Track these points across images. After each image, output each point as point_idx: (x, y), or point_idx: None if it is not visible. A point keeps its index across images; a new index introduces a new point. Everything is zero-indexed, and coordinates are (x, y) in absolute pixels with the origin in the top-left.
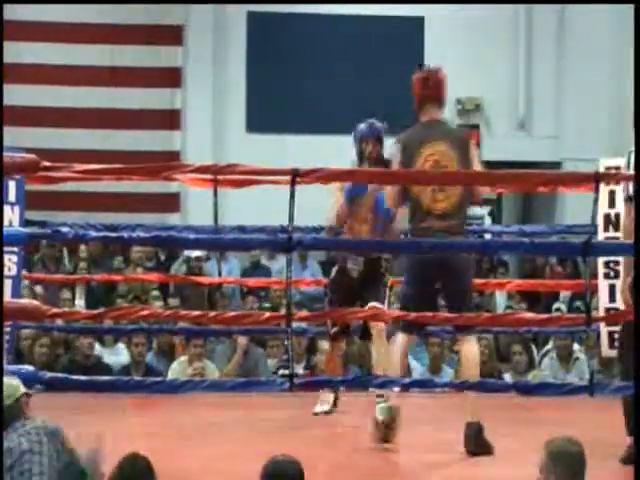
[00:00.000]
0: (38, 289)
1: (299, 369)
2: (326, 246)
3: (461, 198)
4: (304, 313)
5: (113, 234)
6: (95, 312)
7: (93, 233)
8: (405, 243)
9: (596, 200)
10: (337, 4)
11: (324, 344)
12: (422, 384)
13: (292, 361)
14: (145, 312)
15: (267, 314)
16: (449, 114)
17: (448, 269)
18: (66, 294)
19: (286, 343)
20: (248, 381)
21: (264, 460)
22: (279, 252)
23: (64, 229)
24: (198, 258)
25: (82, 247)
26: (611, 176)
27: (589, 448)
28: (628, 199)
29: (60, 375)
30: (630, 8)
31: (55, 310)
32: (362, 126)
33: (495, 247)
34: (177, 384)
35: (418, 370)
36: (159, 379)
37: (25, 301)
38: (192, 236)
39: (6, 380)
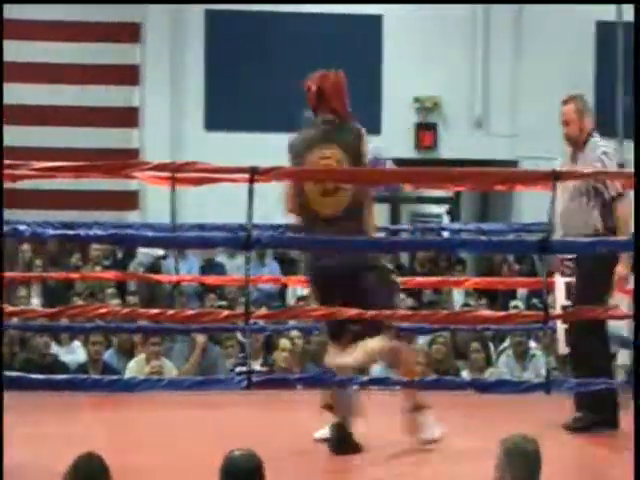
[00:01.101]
0: None
1: (257, 367)
2: (285, 244)
3: (352, 202)
4: (262, 311)
5: (71, 232)
6: (52, 310)
7: (51, 231)
8: (361, 242)
9: (553, 198)
10: (296, 3)
11: (283, 342)
12: (380, 382)
13: (250, 359)
14: (103, 310)
15: (225, 312)
16: (408, 112)
17: (345, 274)
18: (22, 292)
19: (244, 341)
20: (206, 379)
21: (222, 457)
22: (238, 250)
23: (22, 227)
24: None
25: (26, 246)
26: (569, 174)
27: (544, 445)
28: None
29: (16, 374)
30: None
31: (11, 308)
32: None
33: (454, 245)
34: (135, 382)
35: (376, 366)
36: (116, 377)
37: None
38: (150, 234)
39: None
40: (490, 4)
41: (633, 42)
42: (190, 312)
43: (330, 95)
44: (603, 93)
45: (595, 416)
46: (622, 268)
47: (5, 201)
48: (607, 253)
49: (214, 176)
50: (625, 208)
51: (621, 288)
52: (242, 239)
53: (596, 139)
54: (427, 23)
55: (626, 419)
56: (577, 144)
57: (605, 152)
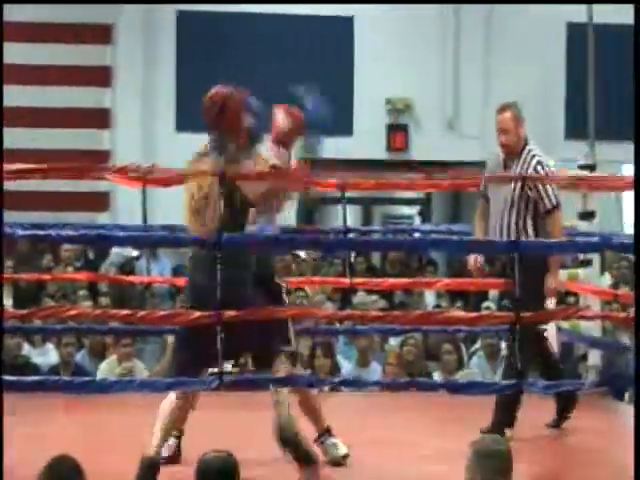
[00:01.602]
0: None
1: (229, 367)
2: (254, 245)
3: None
4: (233, 312)
5: (42, 232)
6: (23, 312)
7: (21, 231)
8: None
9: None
10: (267, 4)
11: None
12: (352, 383)
13: (221, 359)
14: (74, 312)
15: (197, 313)
16: (379, 114)
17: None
18: None
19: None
20: (177, 380)
21: (196, 459)
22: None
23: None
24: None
25: None
26: (535, 178)
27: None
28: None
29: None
30: (555, 12)
31: None
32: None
33: (425, 245)
34: (107, 384)
35: (347, 368)
36: (89, 379)
37: None
38: (122, 233)
39: None
40: (460, 4)
41: (633, 42)
42: (162, 313)
43: (233, 114)
44: (574, 95)
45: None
46: (552, 280)
47: None
48: (540, 262)
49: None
50: (558, 222)
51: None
52: (213, 240)
53: (531, 147)
54: (398, 25)
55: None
56: (513, 152)
57: (540, 162)
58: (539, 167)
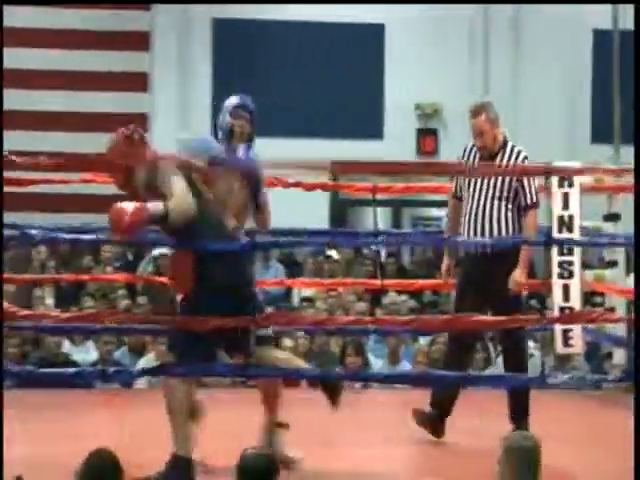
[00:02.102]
0: (10, 288)
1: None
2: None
3: None
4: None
5: (84, 236)
6: (64, 315)
7: (60, 235)
8: None
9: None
10: (301, 11)
11: (285, 341)
12: (382, 378)
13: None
14: (114, 317)
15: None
16: (409, 119)
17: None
18: (38, 292)
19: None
20: (208, 367)
21: (235, 455)
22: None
23: (32, 231)
24: (164, 256)
25: (43, 248)
26: (559, 170)
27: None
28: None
29: (28, 368)
30: (582, 19)
31: (24, 312)
32: (235, 98)
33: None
34: (137, 373)
35: (378, 366)
36: (121, 369)
37: None
38: (155, 236)
39: None
40: (488, 4)
41: (634, 42)
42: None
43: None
44: (600, 100)
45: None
46: (520, 274)
47: (16, 205)
48: (515, 257)
49: None
50: (534, 219)
51: (516, 291)
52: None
53: (512, 144)
54: (427, 31)
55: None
56: (492, 152)
57: (526, 156)
58: (527, 161)
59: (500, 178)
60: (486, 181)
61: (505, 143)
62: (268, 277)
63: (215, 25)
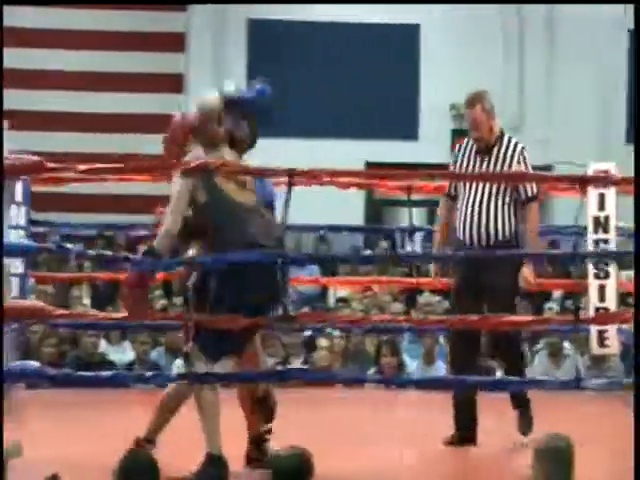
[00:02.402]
0: (48, 288)
1: (297, 364)
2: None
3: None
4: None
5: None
6: (100, 315)
7: (94, 252)
8: None
9: (582, 204)
10: (336, 12)
11: (321, 341)
12: (419, 380)
13: (289, 357)
14: (150, 316)
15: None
16: (444, 119)
17: None
18: (75, 292)
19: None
20: (250, 373)
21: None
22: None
23: (68, 246)
24: None
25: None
26: (598, 179)
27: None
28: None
29: (65, 371)
30: (617, 19)
31: (60, 311)
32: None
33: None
34: (174, 376)
35: (413, 366)
36: (158, 372)
37: (30, 302)
38: None
39: None
40: (523, 4)
41: (634, 42)
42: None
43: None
44: (635, 98)
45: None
46: (529, 272)
47: (52, 204)
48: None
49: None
50: (536, 212)
51: (528, 290)
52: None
53: (509, 136)
54: (462, 32)
55: None
56: (488, 144)
57: (524, 147)
58: (525, 152)
59: (499, 168)
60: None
61: (502, 135)
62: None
63: (250, 26)
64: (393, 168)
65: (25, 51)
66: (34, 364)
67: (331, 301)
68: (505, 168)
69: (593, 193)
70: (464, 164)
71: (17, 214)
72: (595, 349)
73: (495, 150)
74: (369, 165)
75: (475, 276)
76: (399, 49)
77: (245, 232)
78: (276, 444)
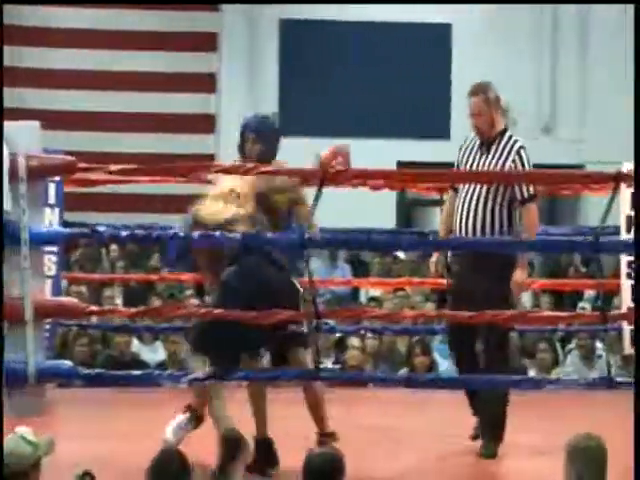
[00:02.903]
0: (82, 288)
1: (328, 365)
2: (339, 244)
3: None
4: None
5: (150, 234)
6: (132, 311)
7: (126, 233)
8: None
9: (611, 200)
10: (368, 11)
11: (352, 340)
12: (451, 381)
13: (320, 357)
14: (180, 311)
15: (290, 313)
16: None
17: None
18: (108, 292)
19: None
20: (281, 372)
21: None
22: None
23: (101, 228)
24: None
25: (114, 247)
26: (630, 177)
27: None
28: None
29: (97, 371)
30: None
31: (93, 308)
32: (245, 117)
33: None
34: (204, 376)
35: (444, 366)
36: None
37: (64, 299)
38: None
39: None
40: (557, 4)
41: (634, 42)
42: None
43: None
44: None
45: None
46: (521, 274)
47: (84, 204)
48: (510, 256)
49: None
50: (534, 213)
51: (518, 293)
52: (299, 238)
53: (510, 134)
54: (495, 30)
55: None
56: (488, 137)
57: (522, 146)
58: (522, 151)
59: (494, 166)
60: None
61: (504, 131)
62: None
63: (283, 26)
64: (425, 167)
65: (56, 51)
66: (67, 363)
67: (363, 301)
68: (499, 167)
69: (626, 192)
70: (464, 160)
71: (50, 216)
72: (627, 349)
73: (494, 147)
74: (401, 165)
75: (465, 280)
76: (431, 48)
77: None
78: (307, 444)
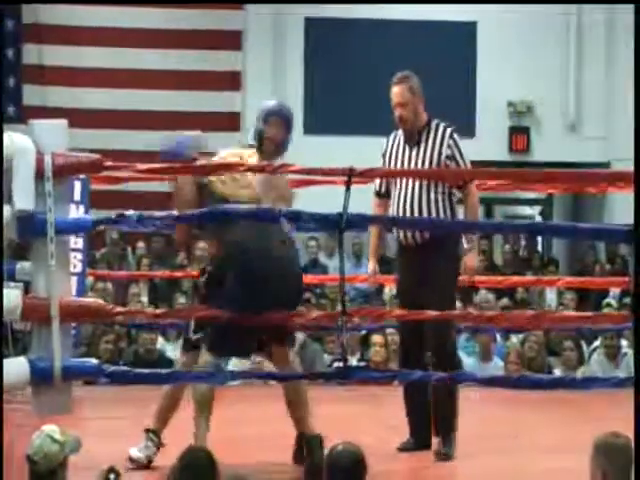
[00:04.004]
0: (108, 286)
1: (353, 362)
2: (377, 222)
3: None
4: (355, 309)
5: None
6: (156, 312)
7: (155, 221)
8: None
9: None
10: (392, 10)
11: (375, 337)
12: (470, 377)
13: (346, 355)
14: (203, 312)
15: (317, 313)
16: (501, 116)
17: None
18: (134, 289)
19: (340, 337)
20: (306, 372)
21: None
22: (330, 230)
23: (128, 212)
24: None
25: (141, 244)
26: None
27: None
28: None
29: (122, 368)
30: None
31: (118, 309)
32: (271, 103)
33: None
34: (236, 374)
35: (468, 363)
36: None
37: (89, 300)
38: None
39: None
40: (582, 4)
41: (634, 42)
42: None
43: None
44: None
45: None
46: (472, 260)
47: (109, 202)
48: (456, 244)
49: (312, 178)
50: (475, 194)
51: (469, 280)
52: (336, 218)
53: (437, 121)
54: (520, 28)
55: None
56: (414, 128)
57: (454, 130)
58: (455, 135)
59: (427, 160)
60: (412, 166)
61: (429, 121)
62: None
63: (307, 24)
64: None
65: (83, 49)
66: (92, 361)
67: (387, 297)
68: (435, 156)
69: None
70: (392, 156)
71: (76, 213)
72: None
73: (424, 137)
74: None
75: (417, 270)
76: (456, 46)
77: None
78: (332, 440)
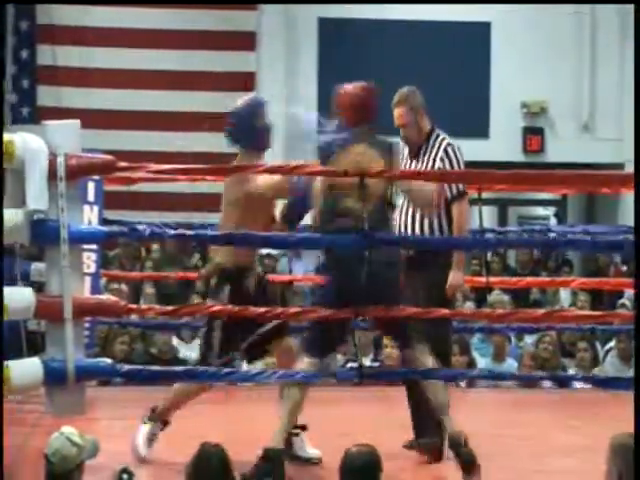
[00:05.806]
0: (122, 287)
1: (366, 362)
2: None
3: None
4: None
5: (189, 232)
6: (169, 309)
7: (169, 231)
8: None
9: None
10: (406, 10)
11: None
12: (488, 375)
13: (360, 354)
14: (215, 308)
15: (329, 311)
16: (515, 117)
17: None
18: (148, 289)
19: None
20: (318, 372)
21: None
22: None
23: (140, 227)
24: (270, 256)
25: (155, 247)
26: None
27: None
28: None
29: (136, 367)
30: None
31: (132, 306)
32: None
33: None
34: (250, 374)
35: (482, 364)
36: (233, 369)
37: (103, 297)
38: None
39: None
40: (596, 4)
41: (634, 42)
42: (296, 310)
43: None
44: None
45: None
46: (458, 276)
47: (123, 202)
48: (448, 257)
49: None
50: (464, 210)
51: (451, 295)
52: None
53: (439, 132)
54: (534, 29)
55: None
56: (417, 142)
57: (449, 144)
58: (449, 149)
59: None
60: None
61: (430, 133)
62: None
63: (321, 25)
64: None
65: (96, 50)
66: (106, 361)
67: None
68: (429, 169)
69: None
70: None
71: (90, 214)
72: None
73: (422, 150)
74: None
75: (408, 284)
76: (470, 47)
77: None
78: (347, 442)
